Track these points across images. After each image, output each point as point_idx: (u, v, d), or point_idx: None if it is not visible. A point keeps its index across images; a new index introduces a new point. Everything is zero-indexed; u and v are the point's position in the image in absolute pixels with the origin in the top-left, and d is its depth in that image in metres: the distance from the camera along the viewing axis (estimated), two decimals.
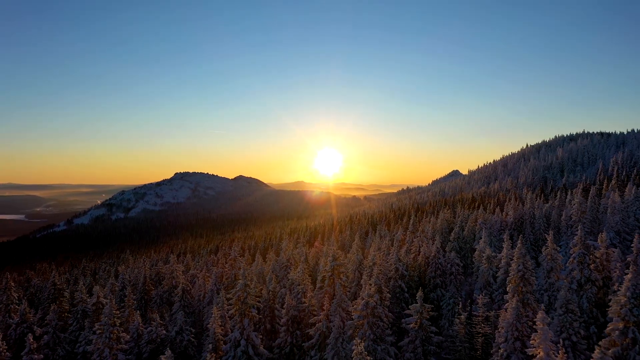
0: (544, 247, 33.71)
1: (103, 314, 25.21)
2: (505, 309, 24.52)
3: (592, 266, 31.74)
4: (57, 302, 39.14)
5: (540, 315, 15.44)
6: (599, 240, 34.24)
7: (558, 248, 33.46)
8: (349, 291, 39.80)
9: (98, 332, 24.73)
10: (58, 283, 41.64)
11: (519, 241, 26.22)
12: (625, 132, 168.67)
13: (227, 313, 27.87)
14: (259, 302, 31.39)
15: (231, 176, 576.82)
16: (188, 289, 45.38)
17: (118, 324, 25.34)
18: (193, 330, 29.92)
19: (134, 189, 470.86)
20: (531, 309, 22.76)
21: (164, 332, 29.27)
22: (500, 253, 51.02)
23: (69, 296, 45.22)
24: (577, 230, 55.88)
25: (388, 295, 28.66)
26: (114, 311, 25.21)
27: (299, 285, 34.03)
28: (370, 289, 24.72)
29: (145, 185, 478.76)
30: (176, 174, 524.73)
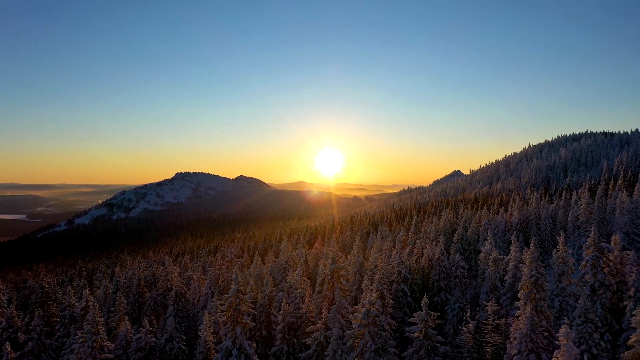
0: (554, 250, 31.98)
1: (85, 321, 23.65)
2: (516, 317, 22.89)
3: (606, 270, 30.03)
4: (45, 306, 37.55)
5: (563, 329, 13.80)
6: (612, 242, 32.47)
7: (570, 251, 31.73)
8: (349, 295, 38.15)
9: (80, 340, 23.14)
10: (47, 286, 40.03)
11: (532, 244, 24.51)
12: (629, 132, 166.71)
13: (220, 319, 26.29)
14: (253, 307, 29.78)
15: (232, 176, 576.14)
16: (183, 292, 43.76)
17: (102, 332, 23.77)
18: (184, 338, 28.32)
19: (135, 189, 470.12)
20: (545, 317, 21.10)
21: (154, 339, 27.70)
22: (505, 255, 49.37)
23: (61, 298, 43.69)
24: (585, 231, 54.45)
25: (391, 301, 27.00)
26: (97, 318, 23.63)
27: (296, 289, 32.41)
28: (371, 295, 23.07)
29: (146, 185, 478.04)
30: (177, 174, 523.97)
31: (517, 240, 40.11)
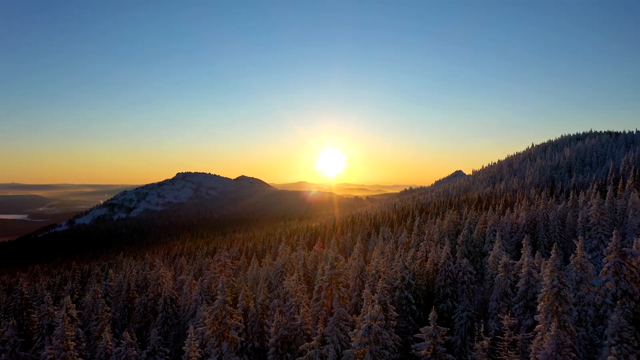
0: (572, 255, 29.49)
1: (54, 336, 21.38)
2: (535, 332, 20.50)
3: (628, 277, 27.54)
4: (25, 314, 35.25)
5: None
6: (634, 246, 29.99)
7: (589, 256, 29.22)
8: (350, 302, 35.75)
9: (49, 357, 20.89)
10: (26, 292, 37.69)
11: (553, 250, 22.08)
12: (634, 132, 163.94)
13: (206, 333, 23.94)
14: (245, 317, 27.39)
15: (233, 176, 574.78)
16: (174, 297, 41.41)
17: (72, 348, 21.49)
18: (168, 351, 25.98)
19: (136, 189, 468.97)
20: (569, 333, 18.68)
21: (135, 352, 25.42)
22: (514, 258, 46.80)
23: (46, 304, 41.40)
24: (596, 234, 51.76)
25: (394, 313, 24.60)
26: (67, 332, 21.35)
27: (292, 297, 30.01)
28: (373, 308, 20.69)
29: (147, 185, 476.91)
30: (178, 174, 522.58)
31: (528, 244, 37.80)
